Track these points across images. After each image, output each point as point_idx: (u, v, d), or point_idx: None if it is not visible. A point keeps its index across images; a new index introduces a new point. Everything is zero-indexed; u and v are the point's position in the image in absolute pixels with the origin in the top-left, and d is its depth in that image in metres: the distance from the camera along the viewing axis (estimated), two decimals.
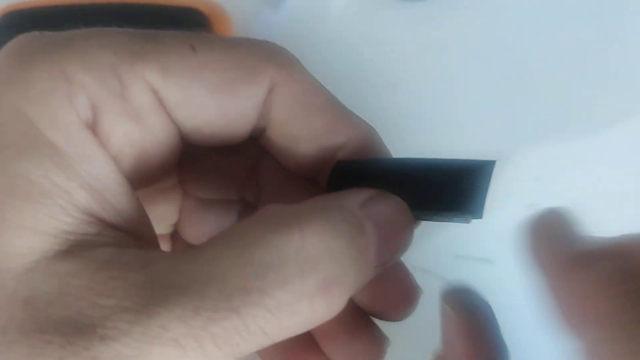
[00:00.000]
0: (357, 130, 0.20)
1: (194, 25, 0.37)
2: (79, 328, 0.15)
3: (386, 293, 0.21)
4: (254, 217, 0.17)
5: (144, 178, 0.20)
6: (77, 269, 0.15)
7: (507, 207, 0.38)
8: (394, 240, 0.19)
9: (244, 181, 0.23)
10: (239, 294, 0.15)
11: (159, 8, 0.38)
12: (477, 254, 0.38)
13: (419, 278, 0.38)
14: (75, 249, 0.16)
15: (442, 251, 0.38)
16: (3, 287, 0.15)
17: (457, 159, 0.20)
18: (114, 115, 0.18)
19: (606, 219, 0.38)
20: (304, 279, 0.16)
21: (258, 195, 0.23)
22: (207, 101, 0.19)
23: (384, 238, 0.18)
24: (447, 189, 0.19)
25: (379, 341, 0.22)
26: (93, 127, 0.17)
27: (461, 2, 0.40)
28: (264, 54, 0.19)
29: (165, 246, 0.25)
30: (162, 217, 0.24)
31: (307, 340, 0.22)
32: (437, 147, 0.40)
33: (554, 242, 0.18)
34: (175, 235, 0.25)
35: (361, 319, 0.22)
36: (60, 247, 0.16)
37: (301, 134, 0.20)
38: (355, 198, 0.18)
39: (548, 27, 0.40)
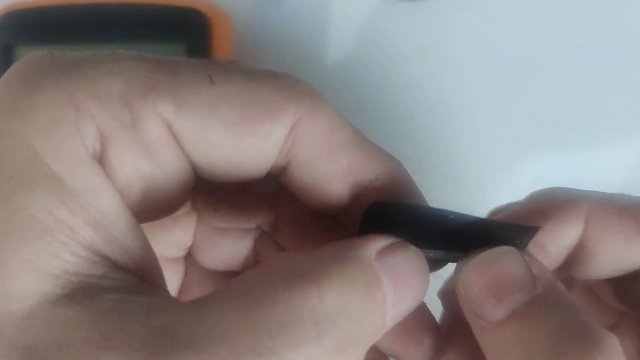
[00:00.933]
0: (385, 166, 0.19)
1: (194, 25, 0.37)
2: None
3: (406, 336, 0.21)
4: (265, 267, 0.17)
5: (153, 212, 0.19)
6: (79, 317, 0.14)
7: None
8: (410, 291, 0.18)
9: (261, 212, 0.23)
10: (250, 355, 0.14)
11: (159, 8, 0.38)
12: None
13: None
14: (78, 293, 0.15)
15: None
16: (1, 333, 0.14)
17: (502, 222, 0.20)
18: (123, 147, 0.17)
19: None
20: (321, 341, 0.15)
21: (275, 226, 0.23)
22: (224, 138, 0.18)
23: (399, 290, 0.17)
24: (488, 241, 0.19)
25: None
26: (100, 159, 0.16)
27: (461, 2, 0.40)
28: (285, 89, 0.18)
29: (178, 269, 0.24)
30: (175, 242, 0.23)
31: None
32: (437, 146, 0.40)
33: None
34: (189, 258, 0.24)
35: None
36: (63, 290, 0.15)
37: (327, 173, 0.19)
38: (371, 247, 0.17)
39: (549, 27, 0.40)
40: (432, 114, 0.40)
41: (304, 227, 0.22)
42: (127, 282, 0.16)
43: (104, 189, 0.16)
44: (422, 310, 0.21)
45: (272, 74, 0.19)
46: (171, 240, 0.23)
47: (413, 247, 0.18)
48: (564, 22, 0.40)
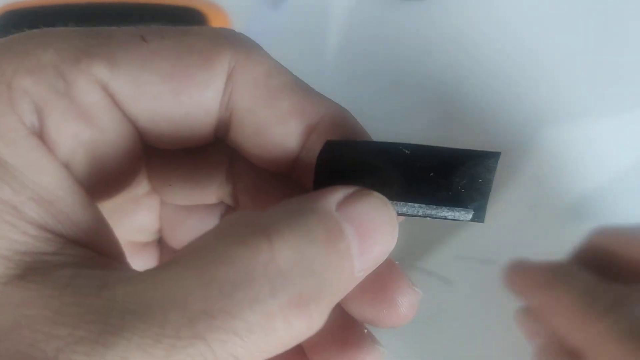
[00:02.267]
0: (327, 109, 0.19)
1: (192, 24, 0.37)
2: None
3: (377, 298, 0.19)
4: (217, 228, 0.16)
5: (104, 185, 0.18)
6: (32, 295, 0.14)
7: (511, 208, 0.38)
8: (377, 241, 0.17)
9: (220, 185, 0.22)
10: (203, 318, 0.14)
11: (157, 7, 0.38)
12: (480, 255, 0.38)
13: (421, 279, 0.38)
14: (30, 272, 0.15)
15: (443, 252, 0.38)
16: None
17: (459, 149, 0.18)
18: (60, 116, 0.16)
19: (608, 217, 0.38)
20: (276, 297, 0.14)
21: (236, 198, 0.22)
22: (161, 91, 0.17)
23: (366, 239, 0.17)
24: (448, 180, 0.18)
25: (372, 351, 0.20)
26: (40, 133, 0.16)
27: (461, 2, 0.40)
28: (219, 39, 0.18)
29: (152, 254, 0.24)
30: (142, 226, 0.23)
31: (296, 353, 0.20)
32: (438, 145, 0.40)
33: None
34: (162, 242, 0.24)
35: (352, 327, 0.20)
36: (15, 271, 0.15)
37: (268, 119, 0.18)
38: (330, 198, 0.17)
39: (548, 26, 0.40)
40: (432, 113, 0.40)
41: (263, 195, 0.21)
42: (81, 256, 0.16)
43: (46, 163, 0.16)
44: (391, 267, 0.20)
45: (208, 27, 0.18)
46: (137, 224, 0.23)
47: (376, 194, 0.17)
48: (564, 21, 0.40)
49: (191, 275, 0.14)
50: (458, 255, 0.38)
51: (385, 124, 0.39)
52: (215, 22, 0.37)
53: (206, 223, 0.23)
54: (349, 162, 0.18)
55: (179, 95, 0.17)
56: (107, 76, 0.17)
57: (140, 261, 0.24)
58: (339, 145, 0.18)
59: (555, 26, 0.40)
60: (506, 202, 0.38)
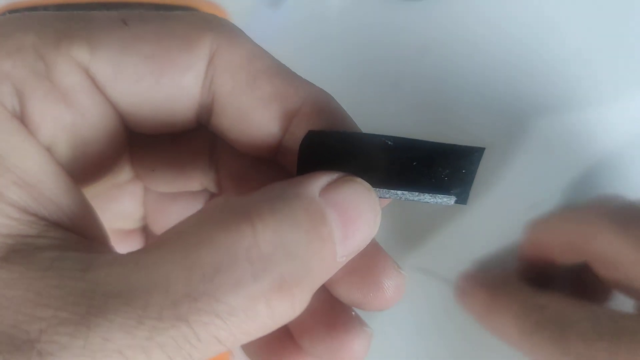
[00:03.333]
0: (310, 93, 0.19)
1: None
2: (17, 345, 0.13)
3: (363, 281, 0.19)
4: (201, 212, 0.16)
5: (87, 169, 0.18)
6: (15, 277, 0.14)
7: (511, 207, 0.38)
8: (360, 226, 0.17)
9: (203, 171, 0.22)
10: (185, 301, 0.14)
11: (157, 7, 0.38)
12: (480, 255, 0.38)
13: (421, 279, 0.38)
14: (13, 254, 0.15)
15: (443, 252, 0.38)
16: None
17: (443, 143, 0.19)
18: (40, 99, 0.16)
19: None
20: (258, 280, 0.15)
21: (220, 184, 0.22)
22: (142, 73, 0.17)
23: (348, 225, 0.17)
24: (431, 169, 0.18)
25: (360, 334, 0.20)
26: (21, 116, 0.16)
27: (461, 2, 0.40)
28: (201, 23, 0.18)
29: (137, 240, 0.24)
30: (126, 213, 0.23)
31: (284, 336, 0.21)
32: None
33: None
34: (147, 229, 0.24)
35: (339, 310, 0.20)
36: None
37: (249, 103, 0.18)
38: (314, 183, 0.17)
39: (548, 26, 0.40)
40: (431, 113, 0.40)
41: (246, 180, 0.21)
42: (64, 239, 0.16)
43: (28, 147, 0.16)
44: (377, 251, 0.20)
45: (190, 12, 0.18)
46: (120, 211, 0.23)
47: (359, 180, 0.18)
48: (564, 20, 0.40)
49: (174, 258, 0.14)
50: (460, 259, 0.38)
51: (385, 123, 0.39)
52: None
53: (190, 210, 0.23)
54: (332, 151, 0.18)
55: (160, 78, 0.17)
56: (88, 58, 0.17)
57: (125, 249, 0.24)
58: (321, 135, 0.18)
59: (555, 26, 0.40)
60: (505, 200, 0.38)
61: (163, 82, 0.17)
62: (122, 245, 0.24)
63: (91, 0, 0.38)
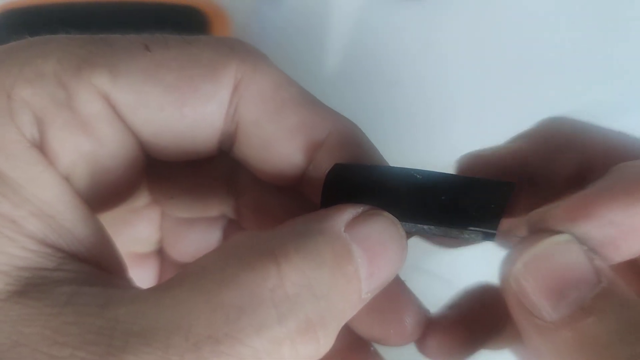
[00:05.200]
0: (336, 125, 0.18)
1: (192, 23, 0.37)
2: None
3: (384, 317, 0.19)
4: (224, 249, 0.16)
5: (105, 197, 0.18)
6: (32, 313, 0.14)
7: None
8: (386, 262, 0.17)
9: (222, 198, 0.22)
10: (208, 343, 0.13)
11: (157, 6, 0.38)
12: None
13: (421, 279, 0.38)
14: (30, 288, 0.14)
15: (444, 252, 0.38)
16: None
17: (473, 177, 0.18)
18: (60, 128, 0.16)
19: None
20: (283, 322, 0.14)
21: (239, 212, 0.22)
22: (164, 103, 0.17)
23: (374, 261, 0.16)
24: (459, 204, 0.17)
25: None
26: (41, 145, 0.16)
27: (461, 1, 0.40)
28: (225, 49, 0.17)
29: (152, 264, 0.24)
30: (142, 237, 0.23)
31: None
32: (437, 146, 0.40)
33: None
34: (163, 252, 0.24)
35: (358, 345, 0.20)
36: (14, 287, 0.14)
37: (274, 133, 0.18)
38: (339, 217, 0.16)
39: (548, 25, 0.40)
40: (431, 113, 0.40)
41: (267, 208, 0.20)
42: (82, 272, 0.15)
43: (46, 177, 0.15)
44: (399, 286, 0.19)
45: (213, 37, 0.18)
46: (136, 235, 0.22)
47: (386, 214, 0.17)
48: (564, 20, 0.40)
49: (196, 298, 0.14)
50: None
51: (384, 122, 0.39)
52: (216, 21, 0.37)
53: (208, 236, 0.23)
54: (357, 184, 0.18)
55: (182, 108, 0.17)
56: (109, 86, 0.16)
57: (140, 271, 0.23)
58: (348, 168, 0.18)
59: (555, 26, 0.40)
60: None
61: (186, 112, 0.17)
62: (137, 269, 0.23)
63: (92, 0, 0.38)
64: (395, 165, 0.18)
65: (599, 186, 0.16)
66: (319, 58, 0.40)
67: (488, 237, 0.17)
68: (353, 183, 0.18)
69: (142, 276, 0.23)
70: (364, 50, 0.40)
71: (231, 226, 0.23)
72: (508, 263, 0.17)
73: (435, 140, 0.40)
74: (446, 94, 0.40)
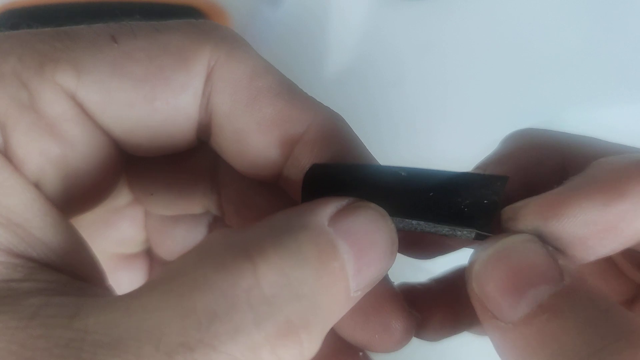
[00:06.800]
0: (315, 117, 0.17)
1: None
2: None
3: (370, 321, 0.18)
4: (196, 250, 0.15)
5: (80, 200, 0.17)
6: None
7: None
8: (375, 256, 0.16)
9: (205, 194, 0.21)
10: (180, 351, 0.13)
11: (157, 6, 0.38)
12: None
13: (421, 279, 0.38)
14: None
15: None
16: None
17: (463, 172, 0.17)
18: (25, 132, 0.15)
19: None
20: (260, 326, 0.13)
21: (221, 207, 0.21)
22: (134, 98, 0.16)
23: (362, 256, 0.15)
24: (450, 199, 0.16)
25: None
26: (4, 151, 0.15)
27: (461, 1, 0.40)
28: (197, 35, 0.16)
29: (141, 265, 0.23)
30: (126, 238, 0.22)
31: None
32: (437, 146, 0.40)
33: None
34: (152, 252, 0.23)
35: (345, 350, 0.19)
36: None
37: (249, 125, 0.17)
38: (322, 211, 0.15)
39: (548, 25, 0.40)
40: (432, 112, 0.40)
41: (250, 203, 0.19)
42: (54, 282, 0.14)
43: (12, 183, 0.15)
44: (386, 288, 0.18)
45: (186, 22, 0.17)
46: (121, 236, 0.21)
47: (373, 205, 0.16)
48: (564, 20, 0.40)
49: (167, 303, 0.13)
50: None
51: (384, 123, 0.39)
52: (215, 21, 0.37)
53: (194, 233, 0.22)
54: (338, 183, 0.17)
55: (153, 101, 0.16)
56: (74, 84, 0.15)
57: (129, 273, 0.23)
58: (327, 168, 0.17)
59: (555, 26, 0.39)
60: None
61: (157, 106, 0.16)
62: (126, 271, 0.22)
63: (91, 0, 0.38)
64: (384, 164, 0.17)
65: (572, 184, 0.16)
66: (318, 58, 0.40)
67: (480, 235, 0.16)
68: (333, 184, 0.17)
69: (132, 278, 0.22)
70: (363, 50, 0.40)
71: (216, 223, 0.22)
72: (470, 265, 0.16)
73: (436, 140, 0.40)
74: (447, 94, 0.40)
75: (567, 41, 0.39)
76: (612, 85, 0.39)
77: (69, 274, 0.15)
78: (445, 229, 0.16)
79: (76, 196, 0.17)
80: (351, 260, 0.15)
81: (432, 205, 0.16)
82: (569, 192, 0.16)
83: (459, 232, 0.16)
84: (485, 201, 0.16)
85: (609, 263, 0.20)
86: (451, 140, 0.40)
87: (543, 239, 0.16)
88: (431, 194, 0.16)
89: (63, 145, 0.16)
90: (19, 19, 0.37)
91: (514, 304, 0.15)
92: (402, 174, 0.17)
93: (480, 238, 0.16)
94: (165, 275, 0.14)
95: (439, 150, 0.40)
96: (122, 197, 0.21)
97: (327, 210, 0.15)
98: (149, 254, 0.23)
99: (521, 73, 0.39)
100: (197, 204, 0.21)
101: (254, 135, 0.17)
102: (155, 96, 0.16)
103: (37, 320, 0.13)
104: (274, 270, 0.14)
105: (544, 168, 0.17)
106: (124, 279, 0.21)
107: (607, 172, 0.16)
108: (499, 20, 0.40)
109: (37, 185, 0.15)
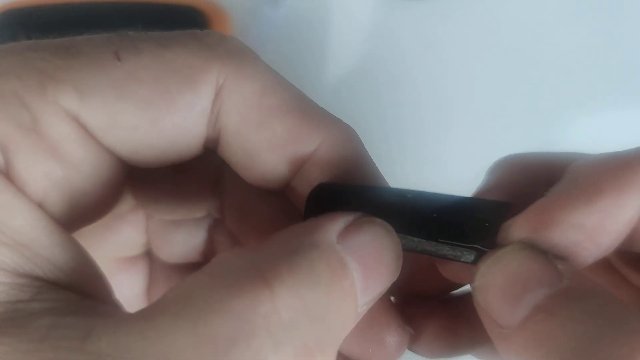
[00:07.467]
0: (326, 135, 0.17)
1: (192, 23, 0.37)
2: None
3: (364, 335, 0.18)
4: (210, 271, 0.14)
5: (84, 216, 0.17)
6: (7, 351, 0.13)
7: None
8: (381, 272, 0.16)
9: (208, 197, 0.21)
10: None
11: (158, 6, 0.37)
12: None
13: None
14: (5, 323, 0.13)
15: None
16: None
17: (467, 197, 0.17)
18: (27, 154, 0.15)
19: None
20: (279, 352, 0.13)
21: (224, 211, 0.21)
22: (140, 120, 0.15)
23: (369, 272, 0.15)
24: (452, 221, 0.17)
25: None
26: (7, 172, 0.15)
27: (461, 1, 0.40)
28: (204, 51, 0.16)
29: (141, 267, 0.23)
30: (128, 242, 0.22)
31: None
32: (437, 145, 0.40)
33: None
34: (152, 254, 0.23)
35: None
36: None
37: (259, 144, 0.16)
38: (331, 228, 0.15)
39: (548, 25, 0.40)
40: (432, 113, 0.40)
41: (252, 209, 0.19)
42: (61, 300, 0.14)
43: (17, 204, 0.14)
44: (381, 302, 0.18)
45: (191, 34, 0.16)
46: (123, 240, 0.21)
47: (379, 220, 0.16)
48: (564, 20, 0.40)
49: (183, 329, 0.13)
50: None
51: (384, 124, 0.39)
52: (216, 21, 0.37)
53: (194, 236, 0.22)
54: (343, 202, 0.17)
55: (159, 123, 0.16)
56: (77, 106, 0.15)
57: (130, 275, 0.23)
58: (332, 188, 0.17)
59: (556, 26, 0.39)
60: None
61: (163, 127, 0.16)
62: (127, 273, 0.22)
63: (91, 0, 0.38)
64: (391, 186, 0.18)
65: (555, 192, 0.16)
66: (319, 58, 0.40)
67: (479, 257, 0.17)
68: (338, 202, 0.17)
69: (132, 279, 0.22)
70: (364, 51, 0.40)
71: (217, 225, 0.22)
72: (472, 280, 0.17)
73: (437, 140, 0.40)
74: (448, 94, 0.40)
75: (570, 41, 0.39)
76: (613, 87, 0.39)
77: (76, 292, 0.15)
78: (445, 249, 0.17)
79: (80, 214, 0.16)
80: (360, 278, 0.15)
81: (435, 225, 0.17)
82: (552, 199, 0.16)
83: (458, 252, 0.17)
84: (486, 224, 0.17)
85: (613, 273, 0.21)
86: (451, 140, 0.40)
87: (541, 248, 0.16)
88: (435, 215, 0.17)
89: (67, 167, 0.16)
90: (19, 19, 0.37)
91: (512, 309, 0.15)
92: (408, 195, 0.17)
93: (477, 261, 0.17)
94: (178, 298, 0.14)
95: (440, 150, 0.40)
96: (125, 204, 0.21)
97: (335, 227, 0.15)
98: (149, 256, 0.23)
99: (525, 72, 0.39)
100: (200, 209, 0.21)
101: (264, 154, 0.17)
102: (161, 118, 0.16)
103: (48, 343, 0.13)
104: (290, 294, 0.14)
105: (535, 189, 0.18)
106: (124, 282, 0.22)
107: (583, 174, 0.16)
108: (500, 20, 0.40)
109: (41, 205, 0.15)
